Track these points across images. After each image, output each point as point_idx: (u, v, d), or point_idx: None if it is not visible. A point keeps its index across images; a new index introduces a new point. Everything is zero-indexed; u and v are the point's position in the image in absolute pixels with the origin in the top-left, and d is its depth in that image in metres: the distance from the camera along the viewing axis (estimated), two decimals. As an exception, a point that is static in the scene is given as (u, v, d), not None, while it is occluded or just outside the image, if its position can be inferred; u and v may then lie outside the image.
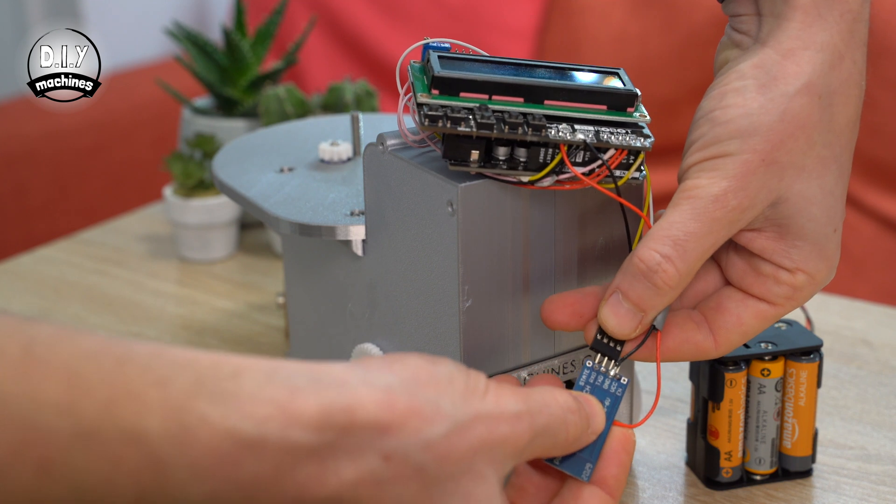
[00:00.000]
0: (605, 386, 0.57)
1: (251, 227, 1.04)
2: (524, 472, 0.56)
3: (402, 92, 0.58)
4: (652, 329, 0.57)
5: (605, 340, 0.57)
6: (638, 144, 0.56)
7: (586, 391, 0.56)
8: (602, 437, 0.55)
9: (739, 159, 0.54)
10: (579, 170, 0.56)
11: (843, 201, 0.56)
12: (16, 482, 0.41)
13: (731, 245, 0.57)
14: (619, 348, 0.57)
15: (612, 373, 0.57)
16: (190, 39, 1.03)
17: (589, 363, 0.57)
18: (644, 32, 1.53)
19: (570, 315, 0.58)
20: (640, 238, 0.57)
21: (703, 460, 0.68)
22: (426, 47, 0.58)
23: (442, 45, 0.58)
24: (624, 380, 0.57)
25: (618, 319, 0.56)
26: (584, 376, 0.57)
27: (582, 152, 0.56)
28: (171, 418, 0.43)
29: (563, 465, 0.54)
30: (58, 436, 0.41)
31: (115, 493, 0.42)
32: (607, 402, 0.56)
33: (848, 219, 1.52)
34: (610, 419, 0.56)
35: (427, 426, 0.47)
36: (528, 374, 0.61)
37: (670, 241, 0.54)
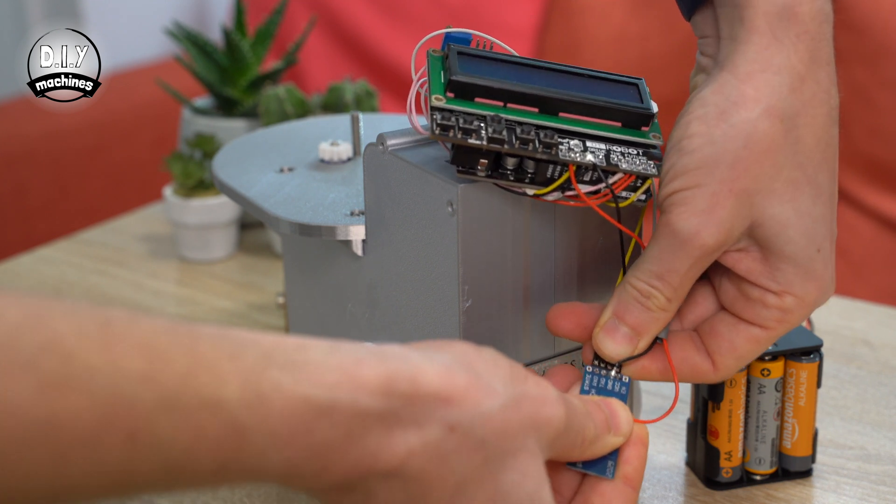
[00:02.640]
0: (609, 387, 0.57)
1: (251, 227, 1.04)
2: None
3: (415, 77, 0.57)
4: (657, 340, 0.57)
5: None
6: (647, 171, 0.56)
7: (591, 395, 0.57)
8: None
9: (707, 191, 0.54)
10: (586, 188, 0.56)
11: (828, 221, 0.56)
12: (108, 454, 0.41)
13: (722, 269, 0.58)
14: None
15: (612, 373, 0.57)
16: (190, 39, 1.03)
17: (589, 368, 0.57)
18: (644, 32, 1.53)
19: (575, 325, 0.58)
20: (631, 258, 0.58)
21: (703, 460, 0.68)
22: (447, 37, 0.58)
23: (464, 35, 0.58)
24: (625, 378, 0.57)
25: (615, 344, 0.57)
26: (586, 381, 0.57)
27: (590, 172, 0.56)
28: (247, 387, 0.43)
29: (586, 466, 0.55)
30: (142, 405, 0.42)
31: (198, 463, 0.43)
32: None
33: (848, 219, 1.52)
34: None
35: (485, 399, 0.48)
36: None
37: (654, 275, 0.56)
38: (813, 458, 0.69)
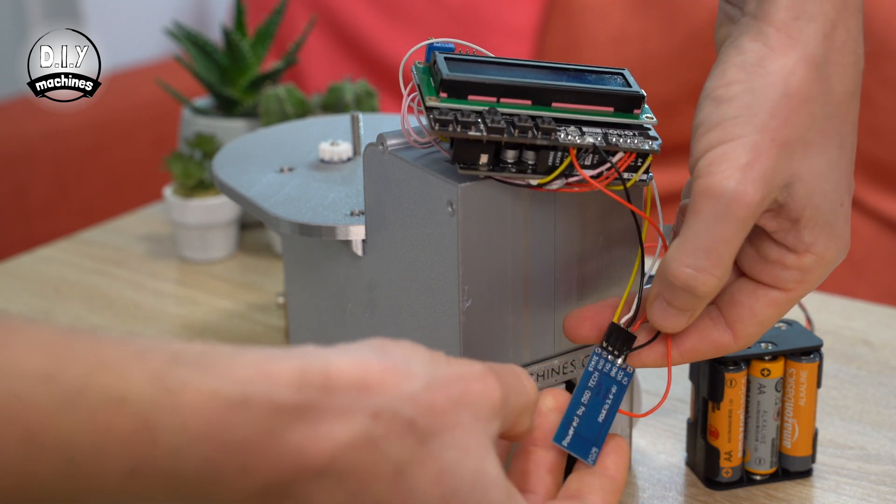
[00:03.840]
0: (612, 373, 0.57)
1: (251, 227, 1.04)
2: (526, 453, 0.56)
3: (405, 92, 0.58)
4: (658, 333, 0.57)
5: (616, 336, 0.57)
6: (646, 147, 0.56)
7: (594, 377, 0.57)
8: (607, 424, 0.56)
9: (749, 143, 0.52)
10: (588, 173, 0.56)
11: (849, 174, 0.54)
12: (2, 454, 0.40)
13: None
14: (626, 347, 0.57)
15: (618, 361, 0.57)
16: (190, 39, 1.03)
17: (598, 349, 0.57)
18: (644, 32, 1.53)
19: (591, 328, 0.58)
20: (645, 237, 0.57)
21: (703, 460, 0.68)
22: (430, 48, 0.58)
23: (446, 45, 0.58)
24: (630, 369, 0.57)
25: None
26: (592, 362, 0.57)
27: (591, 155, 0.56)
28: (154, 384, 0.42)
29: (570, 446, 0.55)
30: (40, 403, 0.40)
31: (108, 465, 0.41)
32: (613, 390, 0.57)
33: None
34: (615, 407, 0.57)
35: (405, 382, 0.47)
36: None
37: (702, 253, 0.53)
38: (813, 458, 0.69)
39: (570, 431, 0.55)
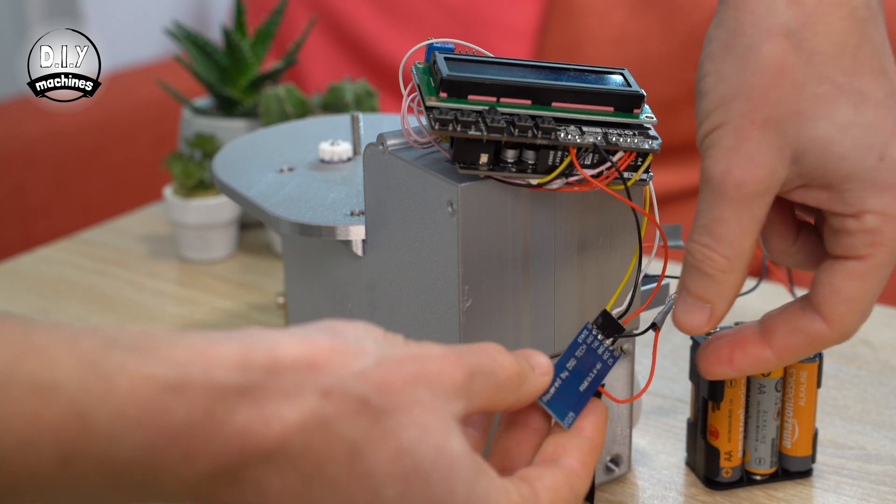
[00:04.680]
0: (599, 351, 0.57)
1: (251, 227, 1.04)
2: (506, 433, 0.55)
3: (405, 93, 0.58)
4: (652, 325, 0.58)
5: (607, 323, 0.57)
6: (646, 147, 0.56)
7: (581, 349, 0.56)
8: (587, 395, 0.56)
9: (731, 129, 0.52)
10: (588, 172, 0.56)
11: (887, 125, 0.52)
12: None
13: (806, 212, 0.56)
14: (615, 335, 0.57)
15: (606, 342, 0.57)
16: (190, 39, 1.03)
17: (590, 325, 0.57)
18: (644, 32, 1.53)
19: (727, 364, 0.57)
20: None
21: (703, 460, 0.68)
22: (430, 48, 0.58)
23: (446, 45, 0.58)
24: (617, 352, 0.57)
25: (689, 315, 0.55)
26: (582, 335, 0.57)
27: (591, 155, 0.56)
28: (85, 369, 0.41)
29: (549, 404, 0.54)
30: None
31: (39, 454, 0.40)
32: (597, 367, 0.57)
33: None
34: (597, 382, 0.56)
35: (354, 360, 0.46)
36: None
37: (704, 231, 0.53)
38: (813, 458, 0.69)
39: (552, 391, 0.55)
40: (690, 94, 1.56)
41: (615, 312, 0.58)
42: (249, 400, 0.43)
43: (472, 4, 1.66)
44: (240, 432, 0.42)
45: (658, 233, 0.58)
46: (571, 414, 0.55)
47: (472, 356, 0.50)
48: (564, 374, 0.56)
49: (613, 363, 0.57)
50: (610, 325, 0.57)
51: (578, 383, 0.56)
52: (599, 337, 0.57)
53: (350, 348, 0.46)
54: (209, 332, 0.45)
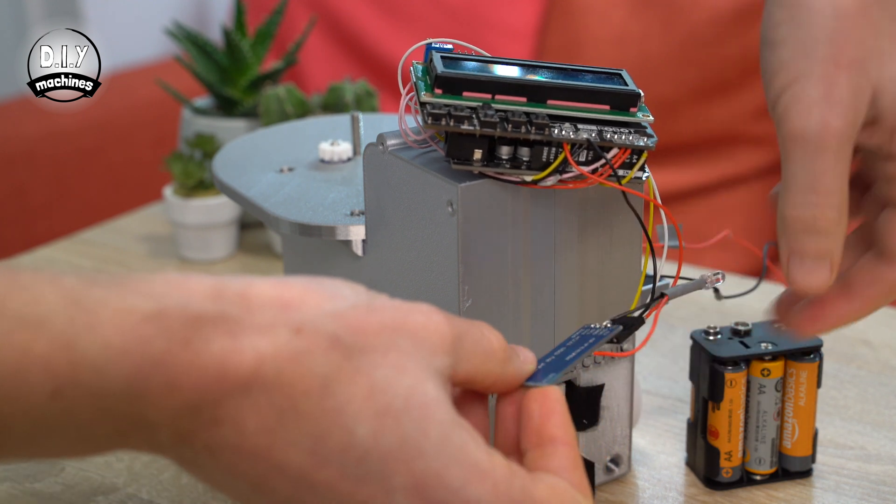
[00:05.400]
0: (595, 332, 0.56)
1: (251, 227, 1.04)
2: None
3: (403, 92, 0.58)
4: (661, 295, 0.57)
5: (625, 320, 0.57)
6: (641, 143, 0.56)
7: (574, 339, 0.55)
8: (572, 361, 0.54)
9: (815, 77, 0.51)
10: (582, 168, 0.56)
11: None
12: None
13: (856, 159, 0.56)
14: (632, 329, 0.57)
15: (605, 322, 0.56)
16: (190, 39, 1.03)
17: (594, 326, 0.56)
18: (644, 32, 1.53)
19: (819, 321, 0.58)
20: (651, 231, 0.57)
21: (703, 460, 0.68)
22: (429, 47, 0.58)
23: (444, 45, 0.58)
24: (610, 325, 0.56)
25: (812, 276, 0.55)
26: (576, 332, 0.56)
27: (585, 152, 0.56)
28: (70, 304, 0.42)
29: (532, 378, 0.53)
30: None
31: (31, 386, 0.41)
32: (590, 341, 0.55)
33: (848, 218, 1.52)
34: (584, 351, 0.55)
35: (328, 301, 0.46)
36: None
37: (808, 191, 0.53)
38: (813, 458, 0.69)
39: (538, 374, 0.53)
40: (690, 95, 1.56)
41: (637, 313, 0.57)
42: (224, 330, 0.43)
43: (472, 4, 1.66)
44: (217, 360, 0.43)
45: (666, 231, 0.57)
46: (552, 375, 0.53)
47: (461, 321, 0.50)
48: (550, 359, 0.55)
49: (608, 333, 0.56)
50: (628, 324, 0.57)
51: (566, 355, 0.55)
52: (597, 325, 0.56)
53: (325, 292, 0.47)
54: (184, 270, 0.45)
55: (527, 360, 0.53)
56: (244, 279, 0.46)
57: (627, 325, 0.56)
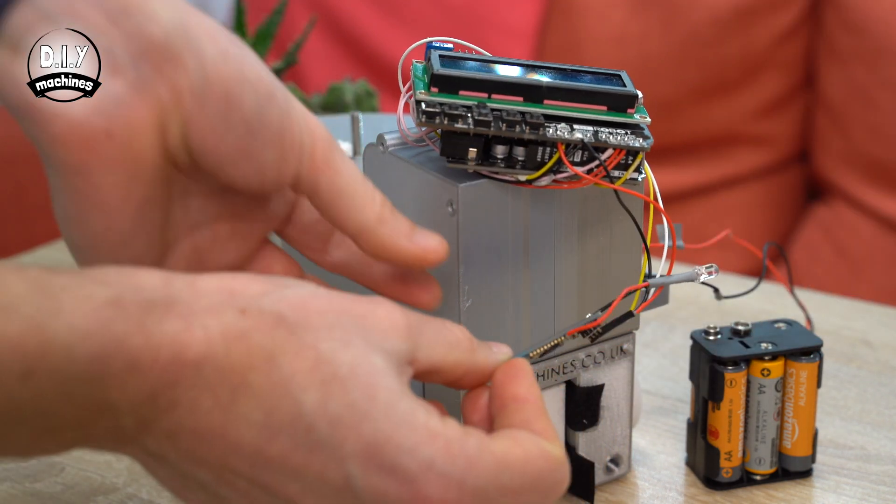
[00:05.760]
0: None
1: (251, 227, 1.03)
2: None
3: (403, 90, 0.58)
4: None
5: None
6: (636, 144, 0.56)
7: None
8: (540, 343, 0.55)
9: None
10: (578, 169, 0.56)
11: None
12: None
13: None
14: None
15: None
16: (190, 39, 1.03)
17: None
18: (644, 32, 1.53)
19: None
20: (651, 228, 0.57)
21: (703, 460, 0.68)
22: (429, 46, 0.58)
23: (444, 45, 0.58)
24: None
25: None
26: None
27: (580, 152, 0.56)
28: (35, 291, 0.43)
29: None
30: None
31: (2, 367, 0.42)
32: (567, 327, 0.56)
33: (848, 219, 1.52)
34: (563, 332, 0.55)
35: (273, 288, 0.47)
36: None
37: None
38: (813, 458, 0.69)
39: None
40: (690, 94, 1.56)
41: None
42: (175, 313, 0.45)
43: (472, 4, 1.66)
44: (170, 340, 0.44)
45: (667, 230, 0.57)
46: (522, 352, 0.54)
47: (421, 314, 0.50)
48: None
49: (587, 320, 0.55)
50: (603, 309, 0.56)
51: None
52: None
53: (270, 281, 0.48)
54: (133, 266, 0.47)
55: (500, 350, 0.53)
56: (191, 274, 0.48)
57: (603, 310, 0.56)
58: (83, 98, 0.47)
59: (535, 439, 0.48)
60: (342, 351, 0.46)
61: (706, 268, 0.57)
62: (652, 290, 0.57)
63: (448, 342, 0.50)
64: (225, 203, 0.53)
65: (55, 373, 0.43)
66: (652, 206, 0.58)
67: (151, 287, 0.45)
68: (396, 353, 0.48)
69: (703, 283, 0.58)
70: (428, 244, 0.53)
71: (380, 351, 0.47)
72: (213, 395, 0.45)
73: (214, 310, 0.46)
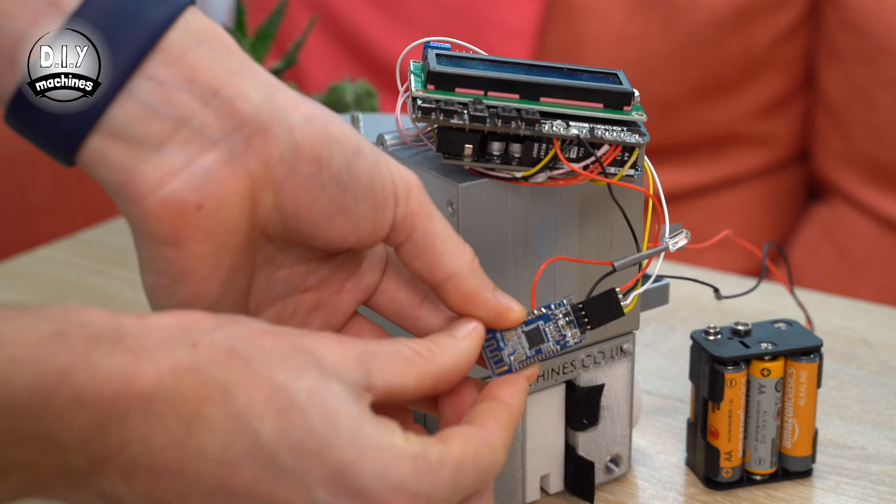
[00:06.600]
0: (553, 308, 0.55)
1: (251, 227, 1.03)
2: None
3: (401, 90, 0.58)
4: (611, 270, 0.56)
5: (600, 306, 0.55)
6: (632, 140, 0.56)
7: (542, 310, 0.55)
8: (533, 359, 0.54)
9: None
10: (573, 165, 0.56)
11: None
12: None
13: None
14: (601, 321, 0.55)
15: (576, 331, 0.55)
16: (190, 39, 1.03)
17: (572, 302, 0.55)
18: (644, 32, 1.53)
19: None
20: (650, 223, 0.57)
21: (703, 460, 0.68)
22: (426, 46, 0.58)
23: (442, 44, 0.58)
24: (570, 298, 0.55)
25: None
26: (546, 307, 0.55)
27: (576, 148, 0.56)
28: None
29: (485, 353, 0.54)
30: None
31: None
32: (559, 341, 0.55)
33: (848, 219, 1.52)
34: (548, 356, 0.54)
35: (224, 323, 0.47)
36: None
37: None
38: (813, 458, 0.69)
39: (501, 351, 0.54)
40: (690, 94, 1.56)
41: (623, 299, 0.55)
42: (123, 348, 0.45)
43: (472, 4, 1.66)
44: (117, 373, 0.44)
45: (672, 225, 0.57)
46: (505, 368, 0.54)
47: (370, 341, 0.50)
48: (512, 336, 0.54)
49: (577, 343, 0.55)
50: (604, 308, 0.55)
51: (530, 346, 0.54)
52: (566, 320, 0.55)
53: (221, 318, 0.48)
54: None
55: (464, 333, 0.53)
56: (142, 313, 0.47)
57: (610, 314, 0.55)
58: (176, 174, 0.48)
59: (481, 434, 0.49)
60: (298, 379, 0.46)
61: (675, 234, 0.57)
62: (647, 282, 0.56)
63: (405, 359, 0.50)
64: (310, 274, 0.54)
65: None
66: (651, 202, 0.58)
67: (98, 323, 0.45)
68: (351, 382, 0.47)
69: (676, 249, 0.57)
70: (511, 303, 0.54)
71: (335, 378, 0.47)
72: (167, 430, 0.44)
73: (165, 344, 0.45)
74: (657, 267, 0.57)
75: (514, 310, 0.54)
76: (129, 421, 0.44)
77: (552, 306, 0.55)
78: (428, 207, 0.52)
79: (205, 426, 0.45)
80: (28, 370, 0.43)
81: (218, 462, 0.45)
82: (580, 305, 0.55)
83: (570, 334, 0.55)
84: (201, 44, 0.49)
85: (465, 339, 0.52)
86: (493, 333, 0.54)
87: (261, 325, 0.48)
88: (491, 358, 0.54)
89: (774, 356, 0.66)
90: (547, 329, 0.55)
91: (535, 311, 0.55)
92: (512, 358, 0.54)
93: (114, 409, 0.44)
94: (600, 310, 0.55)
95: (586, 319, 0.55)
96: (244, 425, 0.45)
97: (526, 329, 0.54)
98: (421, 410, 0.56)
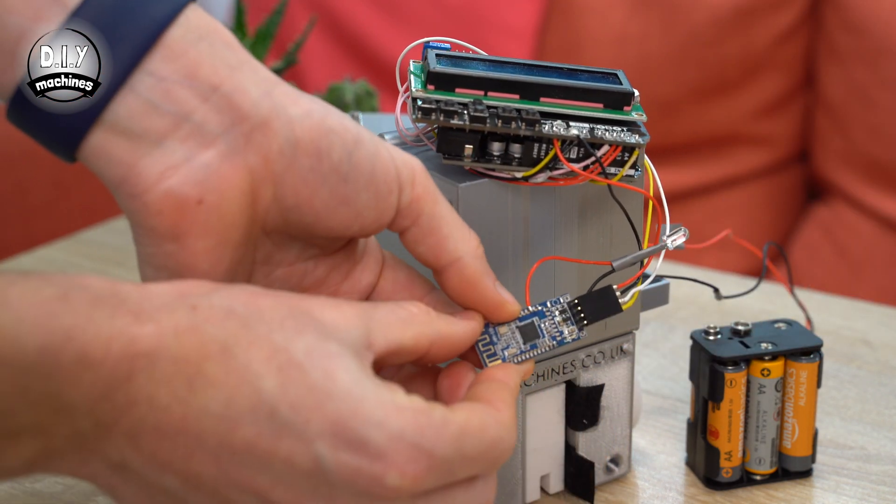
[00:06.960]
0: (549, 304, 0.55)
1: (251, 227, 1.03)
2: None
3: (401, 90, 0.58)
4: (610, 270, 0.56)
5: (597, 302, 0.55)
6: (632, 141, 0.56)
7: (537, 306, 0.55)
8: (529, 354, 0.54)
9: None
10: (573, 166, 0.56)
11: None
12: None
13: None
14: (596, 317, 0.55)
15: (573, 328, 0.55)
16: (190, 39, 1.03)
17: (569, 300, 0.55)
18: (644, 32, 1.53)
19: None
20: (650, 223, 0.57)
21: (703, 460, 0.68)
22: (426, 46, 0.58)
23: (442, 44, 0.58)
24: (567, 296, 0.55)
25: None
26: (542, 304, 0.55)
27: (576, 149, 0.56)
28: None
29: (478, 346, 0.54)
30: None
31: None
32: (556, 336, 0.55)
33: (848, 219, 1.52)
34: (545, 350, 0.55)
35: (223, 288, 0.48)
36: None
37: None
38: (813, 458, 0.69)
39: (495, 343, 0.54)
40: (690, 94, 1.56)
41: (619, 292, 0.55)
42: (124, 310, 0.45)
43: (472, 4, 1.66)
44: (120, 333, 0.45)
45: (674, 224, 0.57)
46: (498, 361, 0.54)
47: (369, 302, 0.51)
48: (506, 329, 0.54)
49: (570, 342, 0.55)
50: (601, 304, 0.55)
51: (525, 341, 0.54)
52: (562, 318, 0.55)
53: (219, 286, 0.48)
54: None
55: (467, 317, 0.53)
56: (139, 281, 0.48)
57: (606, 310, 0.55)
58: (177, 169, 0.49)
59: (488, 409, 0.50)
60: (296, 339, 0.47)
61: (674, 233, 0.57)
62: (646, 280, 0.56)
63: (402, 319, 0.51)
64: (307, 274, 0.54)
65: (6, 366, 0.43)
66: (651, 202, 0.58)
67: (99, 287, 0.46)
68: (351, 341, 0.48)
69: (675, 247, 0.57)
70: (509, 296, 0.54)
71: (333, 338, 0.47)
72: (170, 389, 0.45)
73: (164, 308, 0.46)
74: (657, 266, 0.57)
75: (512, 303, 0.54)
76: (134, 380, 0.45)
77: (548, 304, 0.55)
78: (433, 191, 0.53)
79: (207, 383, 0.45)
80: (36, 328, 0.43)
81: (220, 418, 0.45)
82: (576, 301, 0.55)
83: (567, 331, 0.55)
84: (202, 40, 0.50)
85: (464, 315, 0.53)
86: (487, 328, 0.54)
87: (259, 288, 0.49)
88: (484, 352, 0.54)
89: (774, 356, 0.66)
90: (542, 325, 0.55)
91: (530, 308, 0.55)
92: (506, 353, 0.54)
93: (118, 370, 0.44)
94: (596, 305, 0.55)
95: (582, 315, 0.55)
96: (245, 381, 0.46)
97: (520, 324, 0.54)
98: (420, 394, 0.55)
